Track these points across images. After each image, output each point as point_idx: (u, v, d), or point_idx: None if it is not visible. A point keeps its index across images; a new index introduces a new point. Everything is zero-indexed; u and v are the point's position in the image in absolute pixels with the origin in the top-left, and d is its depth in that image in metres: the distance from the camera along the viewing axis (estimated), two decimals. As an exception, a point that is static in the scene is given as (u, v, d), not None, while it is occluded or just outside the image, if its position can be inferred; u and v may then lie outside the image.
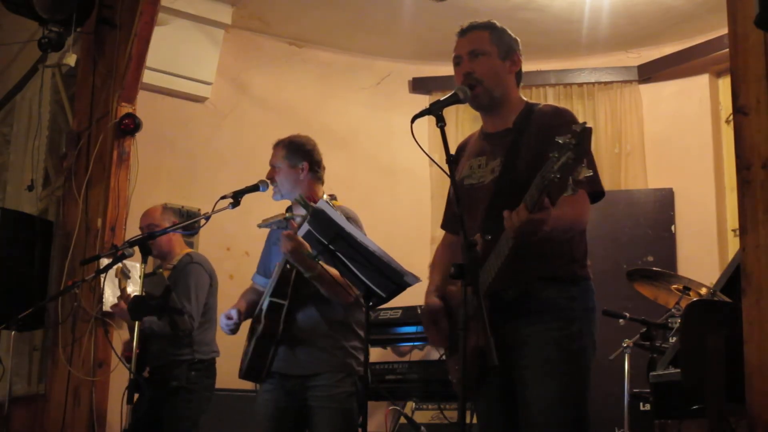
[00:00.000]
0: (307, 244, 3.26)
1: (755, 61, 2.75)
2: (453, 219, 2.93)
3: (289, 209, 3.67)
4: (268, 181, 3.63)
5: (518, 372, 2.59)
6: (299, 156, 3.60)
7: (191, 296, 4.46)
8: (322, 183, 3.67)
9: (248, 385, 4.96)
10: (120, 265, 4.28)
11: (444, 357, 2.82)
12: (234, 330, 3.51)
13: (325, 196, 3.36)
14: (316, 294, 3.42)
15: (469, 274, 2.33)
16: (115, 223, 5.25)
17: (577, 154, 2.11)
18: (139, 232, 4.55)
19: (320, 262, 3.26)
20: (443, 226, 3.03)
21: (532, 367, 2.56)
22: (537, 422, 2.53)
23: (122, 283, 4.41)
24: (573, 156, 2.12)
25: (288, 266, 3.42)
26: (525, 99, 2.84)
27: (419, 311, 4.85)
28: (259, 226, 3.74)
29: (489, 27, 2.81)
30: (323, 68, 6.96)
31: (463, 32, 2.83)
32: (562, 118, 2.67)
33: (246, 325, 3.64)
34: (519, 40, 2.84)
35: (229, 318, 3.50)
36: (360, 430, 3.20)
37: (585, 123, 2.14)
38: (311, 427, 3.43)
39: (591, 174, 2.16)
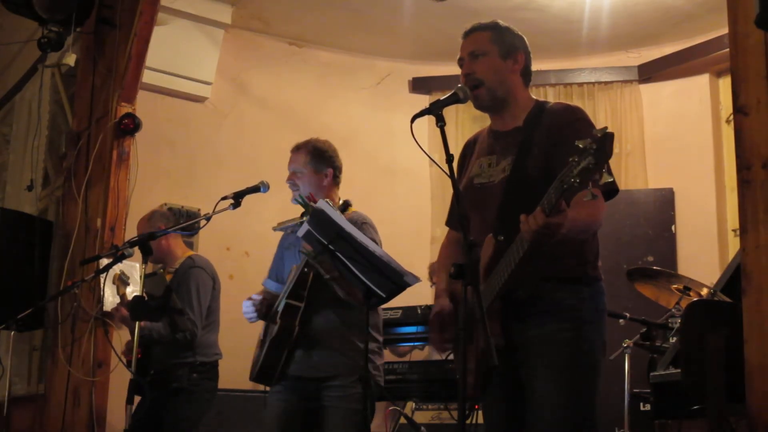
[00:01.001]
0: None
1: (755, 61, 2.75)
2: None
3: (304, 213, 3.67)
4: (288, 185, 3.62)
5: (526, 372, 2.58)
6: (324, 162, 3.61)
7: (193, 302, 4.45)
8: (338, 188, 3.68)
9: (249, 384, 4.97)
10: (118, 272, 4.26)
11: (449, 356, 2.82)
12: (258, 313, 3.50)
13: (340, 202, 3.37)
14: (332, 297, 3.41)
15: (469, 274, 2.32)
16: (115, 223, 5.25)
17: (598, 160, 2.07)
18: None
19: None
20: (448, 223, 3.01)
21: (541, 368, 2.55)
22: (544, 423, 2.52)
23: (120, 289, 4.39)
24: (594, 161, 2.08)
25: (306, 269, 3.41)
26: (535, 98, 2.82)
27: (419, 311, 4.86)
28: (275, 229, 3.73)
29: (491, 27, 2.80)
30: (323, 68, 6.95)
31: (466, 34, 2.82)
32: (573, 116, 2.65)
33: (254, 328, 3.64)
34: (524, 38, 2.82)
35: (251, 299, 3.49)
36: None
37: (606, 128, 2.10)
38: (324, 427, 3.43)
39: (611, 180, 2.12)
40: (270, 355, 3.42)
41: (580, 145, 2.10)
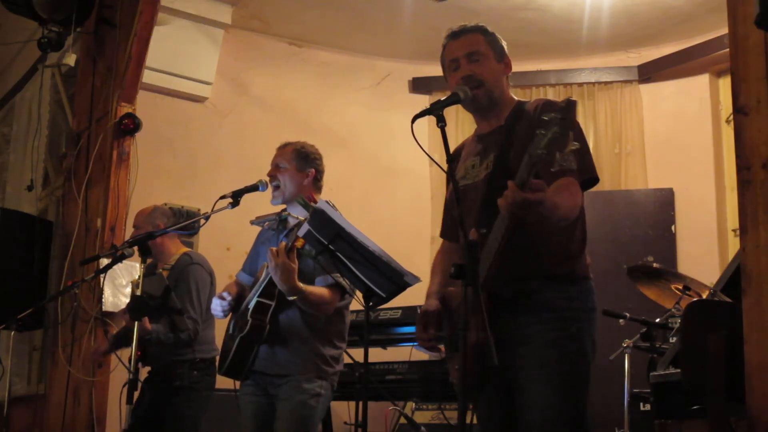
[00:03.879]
0: (295, 269, 3.29)
1: (755, 61, 2.75)
2: (451, 226, 2.94)
3: (284, 210, 3.68)
4: (268, 179, 3.64)
5: (515, 373, 2.57)
6: (307, 162, 3.66)
7: (194, 299, 4.44)
8: (320, 193, 3.70)
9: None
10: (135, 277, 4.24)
11: (443, 357, 2.82)
12: (227, 312, 3.57)
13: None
14: None
15: (469, 274, 2.31)
16: (115, 223, 5.25)
17: (563, 128, 2.12)
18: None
19: (302, 286, 3.32)
20: (442, 235, 3.03)
21: (530, 368, 2.55)
22: (535, 423, 2.52)
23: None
24: (558, 130, 2.12)
25: None
26: (516, 98, 2.85)
27: (419, 311, 4.85)
28: (252, 223, 3.75)
29: (481, 30, 2.82)
30: (323, 68, 6.96)
31: (456, 35, 2.82)
32: (551, 108, 2.66)
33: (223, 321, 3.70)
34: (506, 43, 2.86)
35: (223, 299, 3.55)
36: (359, 430, 3.20)
37: (570, 97, 2.16)
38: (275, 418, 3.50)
39: (578, 146, 2.17)
40: (240, 351, 3.49)
41: (545, 118, 2.15)
